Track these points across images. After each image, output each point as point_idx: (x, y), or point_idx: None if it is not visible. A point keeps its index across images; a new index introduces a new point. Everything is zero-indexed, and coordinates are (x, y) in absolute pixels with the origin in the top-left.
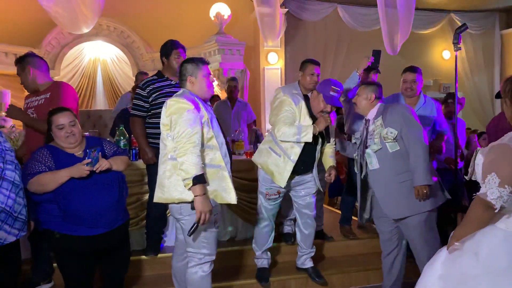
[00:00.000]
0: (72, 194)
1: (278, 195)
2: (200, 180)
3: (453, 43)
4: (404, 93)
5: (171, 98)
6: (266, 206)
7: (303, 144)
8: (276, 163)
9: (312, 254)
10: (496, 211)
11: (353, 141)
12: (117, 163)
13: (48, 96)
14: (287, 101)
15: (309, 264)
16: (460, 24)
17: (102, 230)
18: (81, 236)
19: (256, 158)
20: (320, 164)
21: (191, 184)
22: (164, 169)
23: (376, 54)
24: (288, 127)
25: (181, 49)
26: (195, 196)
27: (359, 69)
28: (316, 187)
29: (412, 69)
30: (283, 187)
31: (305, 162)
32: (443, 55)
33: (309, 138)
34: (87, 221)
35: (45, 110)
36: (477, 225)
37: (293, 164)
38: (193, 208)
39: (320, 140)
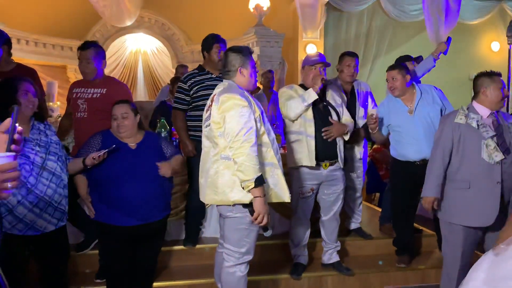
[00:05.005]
0: (110, 183)
1: (311, 193)
2: (261, 181)
3: (507, 36)
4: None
5: (224, 94)
6: (301, 205)
7: (312, 119)
8: (300, 150)
9: (338, 248)
10: None
11: (482, 130)
12: (178, 164)
13: (104, 92)
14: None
15: (335, 258)
16: None
17: (136, 222)
18: (114, 225)
19: (288, 163)
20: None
21: (253, 186)
22: (216, 169)
23: (448, 41)
24: (292, 100)
25: (222, 43)
26: (255, 197)
27: (435, 53)
28: (343, 184)
29: (391, 67)
30: (313, 165)
31: (325, 141)
32: (492, 47)
33: (313, 95)
34: (122, 210)
35: (99, 105)
36: None
37: (313, 140)
38: (245, 207)
39: (334, 115)
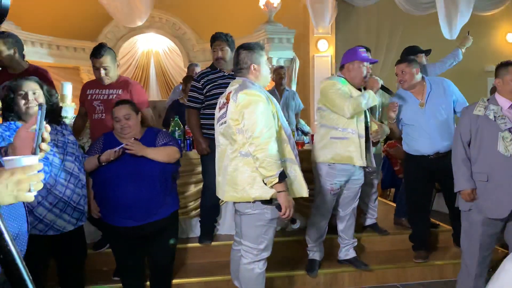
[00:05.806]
0: (108, 184)
1: (339, 189)
2: (284, 176)
3: None
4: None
5: (242, 91)
6: (328, 201)
7: (363, 118)
8: (350, 148)
9: (355, 244)
10: None
11: (499, 122)
12: (156, 152)
13: (120, 93)
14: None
15: (352, 254)
16: None
17: (135, 223)
18: (116, 226)
19: (321, 157)
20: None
21: (276, 181)
22: (235, 166)
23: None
24: (354, 98)
25: (218, 41)
26: (278, 192)
27: (462, 46)
28: (363, 179)
29: (399, 60)
30: (365, 165)
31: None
32: (508, 38)
33: (374, 98)
34: (121, 211)
35: None
36: None
37: (364, 138)
38: (264, 203)
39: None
